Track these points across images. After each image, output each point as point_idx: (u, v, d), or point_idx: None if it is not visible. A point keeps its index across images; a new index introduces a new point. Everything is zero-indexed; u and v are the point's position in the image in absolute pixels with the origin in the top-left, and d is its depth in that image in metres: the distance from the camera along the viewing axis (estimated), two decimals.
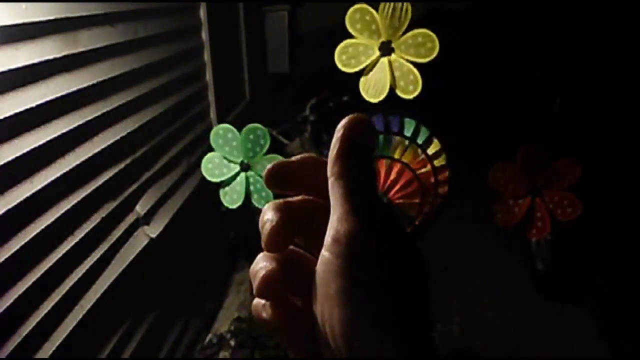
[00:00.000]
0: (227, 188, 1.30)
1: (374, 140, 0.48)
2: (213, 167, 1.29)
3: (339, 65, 1.06)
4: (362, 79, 1.08)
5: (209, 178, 1.30)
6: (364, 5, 1.03)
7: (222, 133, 1.28)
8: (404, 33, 1.02)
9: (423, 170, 1.03)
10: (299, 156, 0.49)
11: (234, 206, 1.32)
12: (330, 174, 0.45)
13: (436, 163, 1.03)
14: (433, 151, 1.04)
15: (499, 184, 1.23)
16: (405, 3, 1.04)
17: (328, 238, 0.41)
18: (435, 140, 1.04)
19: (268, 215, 0.47)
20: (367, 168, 0.44)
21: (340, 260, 0.40)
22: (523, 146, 1.25)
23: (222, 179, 1.30)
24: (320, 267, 0.42)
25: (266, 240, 0.46)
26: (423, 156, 1.01)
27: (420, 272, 0.46)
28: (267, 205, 0.49)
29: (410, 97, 1.04)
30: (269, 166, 0.48)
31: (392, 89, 1.08)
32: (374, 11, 1.02)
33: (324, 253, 0.41)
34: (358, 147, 0.45)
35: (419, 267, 0.46)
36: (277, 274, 0.46)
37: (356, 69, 1.07)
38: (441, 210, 1.11)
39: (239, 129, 1.28)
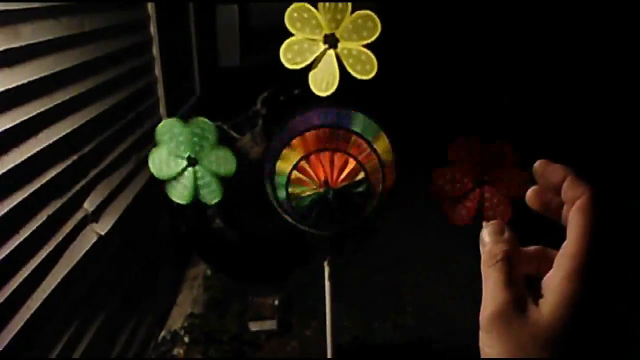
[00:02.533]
0: (174, 182, 1.29)
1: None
2: (160, 162, 1.28)
3: (285, 64, 1.06)
4: (311, 74, 1.08)
5: (156, 174, 1.28)
6: (301, 4, 1.03)
7: (168, 128, 1.26)
8: None
9: (368, 162, 1.04)
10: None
11: (184, 202, 1.31)
12: (571, 200, 0.45)
13: (383, 157, 1.04)
14: (381, 147, 1.05)
15: (443, 190, 1.25)
16: (379, 24, 1.05)
17: (563, 268, 0.42)
18: (384, 136, 1.05)
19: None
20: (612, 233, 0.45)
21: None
22: (451, 145, 1.27)
23: (170, 175, 1.28)
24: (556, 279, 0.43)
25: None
26: (368, 149, 1.02)
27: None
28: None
29: (370, 76, 1.05)
30: (529, 191, 0.49)
31: (340, 82, 1.09)
32: (311, 8, 1.03)
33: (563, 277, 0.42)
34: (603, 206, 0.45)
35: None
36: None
37: (302, 66, 1.07)
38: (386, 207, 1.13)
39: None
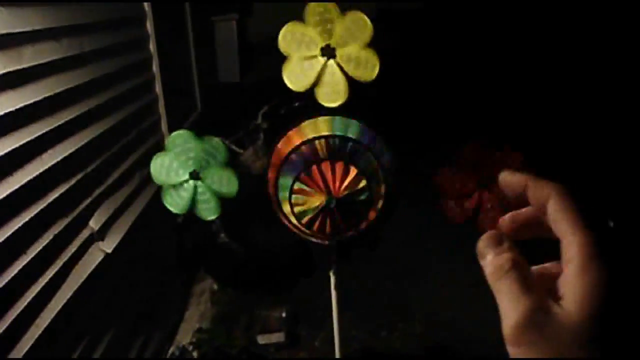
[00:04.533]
0: (171, 190, 1.30)
1: None
2: (162, 168, 1.29)
3: (280, 44, 1.07)
4: (317, 89, 1.09)
5: (155, 178, 1.29)
6: (290, 25, 1.04)
7: (182, 140, 1.27)
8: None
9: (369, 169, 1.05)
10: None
11: (176, 211, 1.32)
12: (539, 203, 0.45)
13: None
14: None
15: (444, 187, 1.27)
16: (369, 22, 1.05)
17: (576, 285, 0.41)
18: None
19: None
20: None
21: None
22: (463, 146, 1.29)
23: (168, 182, 1.29)
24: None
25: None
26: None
27: None
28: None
29: (373, 75, 1.05)
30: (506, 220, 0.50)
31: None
32: (301, 25, 1.04)
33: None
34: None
35: None
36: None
37: (307, 85, 1.08)
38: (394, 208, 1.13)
39: None
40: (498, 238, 0.48)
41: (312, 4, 1.06)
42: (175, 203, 1.31)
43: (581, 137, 3.44)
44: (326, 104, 1.10)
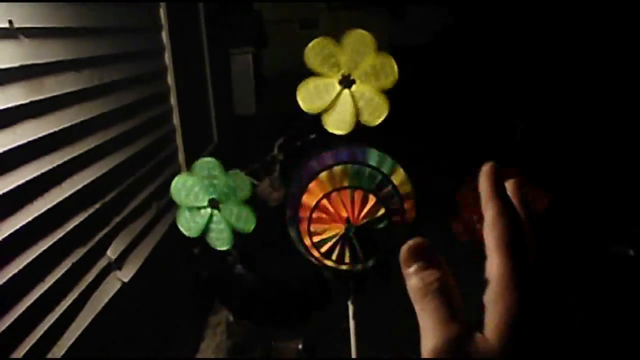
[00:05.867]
0: (187, 213, 1.28)
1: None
2: (187, 222, 1.28)
3: (301, 104, 1.07)
4: (326, 116, 1.08)
5: (189, 234, 1.28)
6: (321, 40, 1.04)
7: (181, 185, 1.27)
8: None
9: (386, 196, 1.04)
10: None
11: (188, 234, 1.30)
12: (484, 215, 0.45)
13: (402, 190, 1.04)
14: (398, 180, 1.05)
15: (467, 202, 1.26)
16: (365, 35, 1.05)
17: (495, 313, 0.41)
18: (400, 169, 1.05)
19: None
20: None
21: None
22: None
23: (187, 204, 1.28)
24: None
25: None
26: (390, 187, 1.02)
27: None
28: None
29: (375, 123, 1.05)
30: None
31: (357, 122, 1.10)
32: (332, 44, 1.04)
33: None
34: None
35: None
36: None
37: (319, 108, 1.08)
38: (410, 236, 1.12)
39: None
40: (426, 249, 0.45)
41: (306, 50, 1.06)
42: (188, 226, 1.30)
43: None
44: (332, 130, 1.09)
